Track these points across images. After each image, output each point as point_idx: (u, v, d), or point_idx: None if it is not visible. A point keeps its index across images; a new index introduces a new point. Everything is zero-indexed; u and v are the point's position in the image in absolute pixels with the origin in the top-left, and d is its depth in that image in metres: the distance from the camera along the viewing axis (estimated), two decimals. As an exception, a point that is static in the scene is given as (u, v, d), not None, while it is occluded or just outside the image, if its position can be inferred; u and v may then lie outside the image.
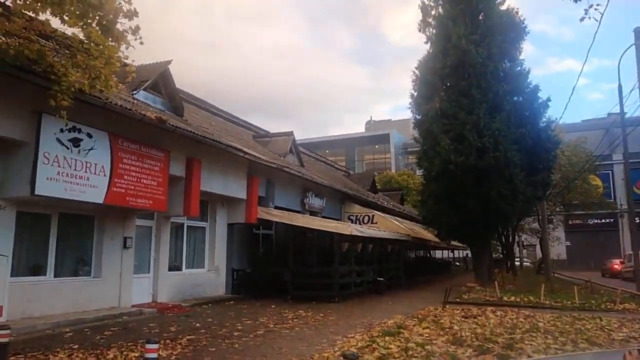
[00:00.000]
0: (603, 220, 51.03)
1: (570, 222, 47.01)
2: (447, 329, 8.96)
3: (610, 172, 49.86)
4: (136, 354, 6.99)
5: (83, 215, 11.18)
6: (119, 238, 11.65)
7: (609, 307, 13.53)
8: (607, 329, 9.32)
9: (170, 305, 11.99)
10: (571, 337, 8.16)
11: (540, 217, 30.68)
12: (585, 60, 56.51)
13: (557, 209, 34.19)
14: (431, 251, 35.82)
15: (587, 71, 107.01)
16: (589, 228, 51.18)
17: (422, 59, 21.98)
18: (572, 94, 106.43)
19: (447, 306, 12.37)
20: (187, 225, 14.56)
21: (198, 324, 9.86)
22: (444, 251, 39.86)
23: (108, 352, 7.09)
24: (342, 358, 3.99)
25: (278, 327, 9.69)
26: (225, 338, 8.44)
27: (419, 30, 22.02)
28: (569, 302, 14.04)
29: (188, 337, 8.33)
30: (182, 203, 12.84)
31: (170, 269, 13.40)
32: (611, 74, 78.41)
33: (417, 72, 21.95)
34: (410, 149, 67.22)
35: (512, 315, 11.16)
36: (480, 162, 17.82)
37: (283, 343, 8.15)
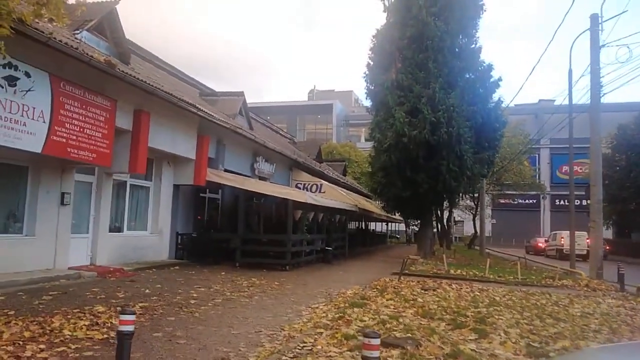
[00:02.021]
0: (527, 201, 54.21)
1: (497, 201, 49.32)
2: (411, 301, 8.84)
3: (537, 155, 52.65)
4: (86, 322, 6.23)
5: (14, 165, 9.92)
6: (55, 193, 10.49)
7: (548, 282, 14.15)
8: (560, 304, 9.62)
9: (111, 269, 11.06)
10: (534, 313, 8.28)
11: (477, 195, 31.93)
12: (546, 49, 58.62)
13: (496, 188, 35.63)
14: (369, 223, 36.32)
15: (537, 54, 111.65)
16: (513, 207, 54.19)
17: (380, 27, 21.62)
18: (527, 78, 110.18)
19: (402, 277, 12.35)
20: (130, 184, 13.50)
21: (147, 290, 9.12)
22: (380, 223, 40.62)
23: (52, 319, 6.26)
24: (364, 337, 3.54)
25: (236, 296, 9.16)
26: (182, 306, 7.80)
27: (378, -2, 21.55)
28: (511, 277, 14.56)
29: (140, 305, 7.61)
30: (127, 159, 11.77)
31: (110, 230, 12.40)
32: (561, 58, 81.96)
33: (374, 40, 21.66)
34: (352, 121, 67.58)
35: (467, 288, 11.31)
36: (432, 136, 17.88)
37: (246, 313, 7.65)
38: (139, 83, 10.98)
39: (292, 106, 62.33)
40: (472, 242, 36.07)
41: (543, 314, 8.15)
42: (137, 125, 11.86)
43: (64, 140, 9.57)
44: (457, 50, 19.83)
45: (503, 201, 50.27)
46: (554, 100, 62.84)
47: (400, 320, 7.02)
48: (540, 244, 36.57)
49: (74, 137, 9.80)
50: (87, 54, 9.23)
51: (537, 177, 50.65)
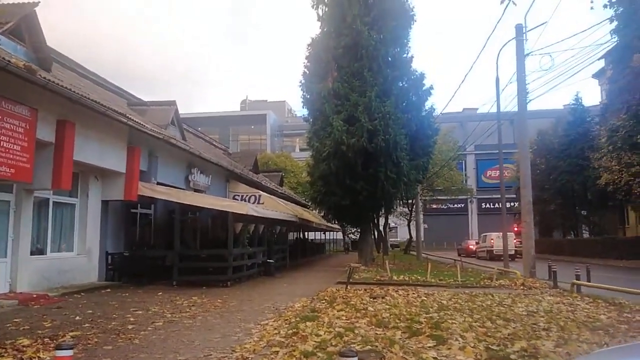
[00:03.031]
0: (455, 205, 56.50)
1: (428, 207, 50.92)
2: (362, 311, 8.66)
3: (463, 162, 55.04)
4: (9, 359, 5.48)
5: None
6: (-34, 214, 9.37)
7: (487, 283, 14.58)
8: (505, 304, 9.84)
9: (34, 296, 10.02)
10: (484, 314, 8.37)
11: (410, 201, 32.70)
12: (477, 58, 61.37)
13: (429, 194, 36.67)
14: (307, 233, 36.16)
15: (463, 63, 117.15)
16: (443, 212, 56.35)
17: (315, 36, 21.64)
18: (459, 87, 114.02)
19: (348, 286, 12.19)
20: (54, 201, 12.41)
21: (78, 317, 8.30)
22: (317, 233, 40.61)
23: (-35, 359, 5.46)
24: (340, 357, 3.25)
25: (177, 317, 8.56)
26: (119, 333, 7.12)
27: (312, 7, 21.60)
28: (451, 280, 14.87)
29: (72, 334, 6.86)
30: (50, 173, 10.80)
31: (32, 253, 11.29)
32: (484, 68, 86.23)
33: (310, 49, 21.62)
34: (287, 131, 67.56)
35: (413, 294, 11.34)
36: (370, 144, 18.08)
37: (191, 335, 7.13)
38: (62, 90, 10.12)
39: (224, 117, 61.37)
40: (408, 248, 36.90)
41: (492, 315, 8.25)
42: (61, 137, 10.92)
43: (-24, 154, 8.58)
44: (390, 59, 20.24)
45: (434, 206, 52.01)
46: (477, 109, 66.38)
47: (356, 331, 6.80)
48: (471, 246, 38.06)
49: (-12, 151, 8.82)
50: (3, 58, 8.34)
51: (464, 181, 52.98)
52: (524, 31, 17.06)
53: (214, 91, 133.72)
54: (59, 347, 3.40)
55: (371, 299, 10.19)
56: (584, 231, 40.46)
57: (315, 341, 6.17)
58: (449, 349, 5.82)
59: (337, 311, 8.64)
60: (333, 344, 6.05)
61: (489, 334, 6.71)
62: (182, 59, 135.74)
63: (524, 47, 17.07)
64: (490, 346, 5.91)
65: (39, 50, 11.68)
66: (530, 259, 16.06)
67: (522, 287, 13.65)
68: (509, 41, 17.97)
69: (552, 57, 19.12)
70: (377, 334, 6.74)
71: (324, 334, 6.66)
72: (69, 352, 3.42)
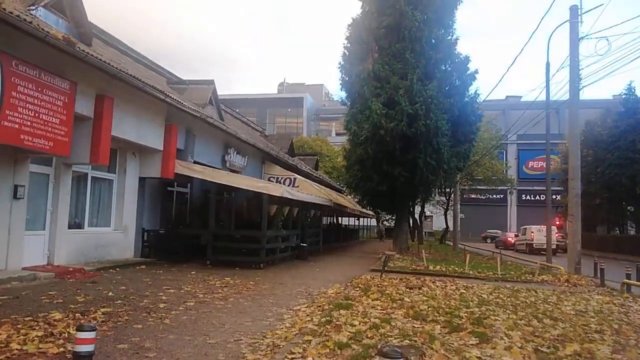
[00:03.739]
0: (494, 196, 54.92)
1: (465, 196, 49.69)
2: (399, 301, 8.31)
3: (504, 151, 53.26)
4: (39, 333, 5.41)
5: (-42, 154, 8.87)
6: (7, 186, 9.45)
7: (528, 278, 13.94)
8: (550, 302, 9.29)
9: (71, 269, 10.11)
10: (529, 312, 7.88)
11: (449, 190, 31.88)
12: (527, 43, 59.10)
13: (468, 183, 35.72)
14: (341, 218, 35.90)
15: (513, 47, 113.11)
16: (481, 202, 54.87)
17: (356, 16, 21.07)
18: (505, 73, 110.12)
19: (383, 275, 11.84)
20: (92, 176, 12.49)
21: (111, 293, 8.27)
22: (350, 218, 40.30)
23: (-2, 330, 5.41)
24: (381, 357, 2.91)
25: (209, 298, 8.42)
26: (150, 311, 7.01)
27: (354, -14, 20.98)
28: (490, 273, 14.32)
29: (103, 310, 6.79)
30: (88, 148, 10.82)
31: (70, 227, 11.39)
32: (528, 56, 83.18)
33: (350, 30, 21.06)
34: (323, 115, 67.06)
35: (451, 285, 10.90)
36: (410, 129, 17.53)
37: (222, 317, 6.94)
38: (101, 64, 10.03)
39: (262, 99, 61.38)
40: (444, 237, 36.16)
41: (538, 313, 7.75)
42: (100, 112, 10.90)
43: (17, 126, 8.60)
44: (433, 41, 19.48)
45: (472, 196, 50.75)
46: (521, 97, 64.16)
47: (393, 323, 6.46)
48: (510, 239, 36.98)
49: (28, 123, 8.83)
50: (42, 30, 8.26)
51: (505, 171, 51.49)
52: (579, 13, 16.04)
53: (252, 74, 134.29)
54: (80, 329, 3.18)
55: (407, 289, 9.82)
56: (630, 227, 38.66)
57: (349, 332, 5.86)
58: (494, 348, 5.41)
59: (372, 300, 8.32)
60: (368, 335, 5.73)
61: (537, 333, 6.26)
62: (221, 41, 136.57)
63: (578, 29, 16.06)
64: (539, 348, 5.46)
65: (80, 24, 11.65)
66: (576, 254, 15.26)
67: (566, 284, 12.99)
68: (562, 24, 16.95)
69: (609, 41, 18.03)
70: (414, 327, 6.38)
71: (359, 324, 6.35)
72: (92, 334, 3.20)
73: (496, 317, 7.17)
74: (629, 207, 37.05)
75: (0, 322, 5.80)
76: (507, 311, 7.83)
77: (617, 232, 38.39)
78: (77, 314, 6.46)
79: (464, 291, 10.11)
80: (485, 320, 6.84)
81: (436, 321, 6.79)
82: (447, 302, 8.42)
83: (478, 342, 5.68)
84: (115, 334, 5.68)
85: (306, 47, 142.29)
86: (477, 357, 5.01)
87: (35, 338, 5.24)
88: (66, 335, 5.42)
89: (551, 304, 9.03)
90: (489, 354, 5.20)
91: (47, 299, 7.46)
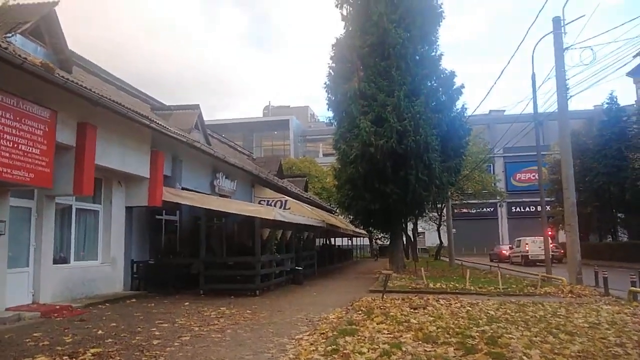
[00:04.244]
0: (485, 209, 54.87)
1: (456, 211, 49.60)
2: (405, 323, 7.92)
3: (491, 165, 53.37)
4: (21, 382, 4.93)
5: None
6: (-15, 222, 8.97)
7: (531, 291, 13.65)
8: (560, 315, 8.98)
9: (57, 307, 9.57)
10: (541, 327, 7.54)
11: (440, 206, 31.69)
12: (514, 54, 60.09)
13: (459, 197, 35.60)
14: (333, 239, 35.44)
15: (495, 61, 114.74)
16: (471, 216, 54.71)
17: (339, 36, 21.10)
18: (492, 87, 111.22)
19: (384, 296, 11.44)
20: (76, 208, 12.01)
21: (100, 331, 7.76)
22: (343, 239, 39.86)
23: (-25, 381, 4.93)
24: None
25: (205, 331, 7.95)
26: (143, 349, 6.54)
27: (336, 6, 21.08)
28: (492, 288, 14.01)
29: (93, 351, 6.30)
30: (72, 179, 10.36)
31: (55, 262, 10.87)
32: (520, 65, 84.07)
33: (334, 49, 21.04)
34: (310, 136, 67.08)
35: (456, 303, 10.54)
36: (400, 145, 17.41)
37: (221, 352, 6.49)
38: (82, 91, 9.69)
39: (247, 123, 61.24)
40: (439, 253, 35.85)
41: (551, 328, 7.42)
42: (82, 141, 10.49)
43: (-6, 158, 8.16)
44: (418, 57, 19.54)
45: (463, 210, 50.71)
46: (504, 111, 64.79)
47: (403, 348, 6.07)
48: (504, 251, 36.75)
49: (6, 154, 8.40)
50: (19, 56, 7.92)
51: (494, 184, 51.58)
52: (562, 24, 16.14)
53: (236, 99, 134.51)
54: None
55: (412, 310, 9.44)
56: (621, 235, 38.74)
57: (360, 361, 5.46)
58: (515, 370, 5.05)
59: (377, 324, 7.91)
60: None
61: (556, 350, 5.92)
62: (203, 68, 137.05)
63: (562, 40, 16.14)
64: (563, 367, 5.12)
65: (60, 51, 11.34)
66: (576, 264, 15.03)
67: (570, 295, 12.71)
68: (545, 35, 17.03)
69: (593, 51, 18.13)
70: (427, 351, 6.00)
71: (368, 351, 5.95)
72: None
73: (510, 335, 6.82)
74: (619, 214, 37.18)
75: (-22, 371, 5.31)
76: (520, 328, 7.48)
77: (610, 239, 38.41)
78: (64, 357, 5.99)
79: (470, 308, 9.76)
80: (499, 340, 6.49)
81: (448, 343, 6.42)
82: (456, 322, 8.05)
83: (497, 364, 5.33)
84: (106, 378, 5.21)
85: (290, 70, 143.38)
86: (501, 382, 4.65)
87: (18, 387, 4.77)
88: (52, 382, 4.95)
89: (561, 317, 8.72)
90: (511, 377, 4.85)
91: (32, 342, 6.94)
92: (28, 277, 10.10)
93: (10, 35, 9.72)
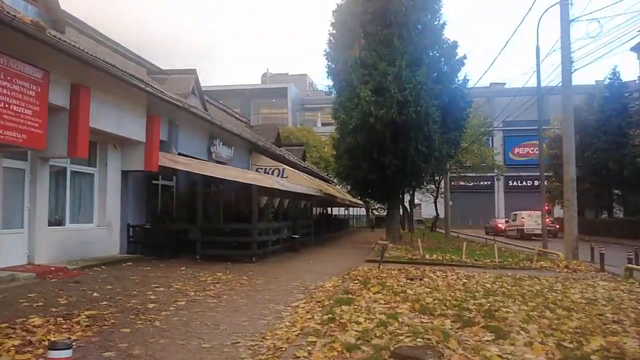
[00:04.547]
0: (481, 183, 54.98)
1: (453, 183, 49.72)
2: (402, 294, 7.91)
3: (490, 138, 53.08)
4: (16, 342, 4.89)
5: None
6: (-22, 182, 8.82)
7: (526, 265, 13.74)
8: (557, 290, 9.01)
9: (52, 269, 9.53)
10: (538, 301, 7.54)
11: (438, 178, 31.67)
12: (519, 25, 58.77)
13: (458, 170, 35.56)
14: (330, 208, 35.53)
15: (492, 33, 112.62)
16: (468, 189, 54.90)
17: (340, 2, 20.54)
18: (496, 58, 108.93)
19: (381, 266, 11.46)
20: (71, 170, 11.85)
21: (95, 293, 7.73)
22: (340, 208, 40.00)
23: (-32, 341, 4.88)
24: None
25: (201, 296, 7.93)
26: (138, 313, 6.51)
27: (336, -28, 20.45)
28: (488, 261, 14.07)
29: (87, 313, 6.25)
30: (66, 141, 10.17)
31: (50, 224, 10.78)
32: (524, 37, 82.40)
33: (335, 15, 20.54)
34: (308, 105, 66.46)
35: (452, 275, 10.58)
36: (400, 116, 17.12)
37: (216, 317, 6.47)
38: (74, 51, 9.38)
39: (245, 90, 60.44)
40: (435, 225, 36.03)
41: (548, 303, 7.41)
42: (76, 102, 10.25)
43: (-15, 118, 7.96)
44: (420, 26, 19.11)
45: (461, 183, 50.73)
46: (504, 84, 64.08)
47: (400, 319, 6.04)
48: (500, 225, 36.98)
49: (-2, 115, 8.18)
50: (8, 13, 7.60)
51: (492, 158, 51.45)
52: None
53: (234, 65, 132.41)
54: (52, 346, 2.66)
55: (408, 281, 9.47)
56: (617, 211, 38.94)
57: (356, 331, 5.43)
58: (513, 344, 5.02)
59: (374, 294, 7.92)
60: (377, 334, 5.31)
61: (554, 326, 5.89)
62: (200, 33, 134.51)
63: (569, 11, 15.76)
64: (561, 342, 5.09)
65: (52, 11, 10.96)
66: (573, 239, 15.08)
67: (566, 270, 12.79)
68: (552, 5, 16.59)
69: (600, 23, 17.78)
70: (423, 322, 5.99)
71: (365, 321, 5.92)
72: (67, 353, 2.68)
73: (507, 309, 6.81)
74: (616, 191, 37.25)
75: (-29, 331, 5.26)
76: (517, 302, 7.48)
77: (605, 216, 38.62)
78: (58, 319, 5.93)
79: (466, 281, 9.80)
80: (496, 313, 6.48)
81: (445, 315, 6.41)
82: (452, 294, 8.06)
83: (494, 337, 5.30)
84: (101, 340, 5.17)
85: (289, 37, 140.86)
86: (498, 356, 4.61)
87: (12, 348, 4.73)
88: (46, 343, 4.89)
89: (558, 292, 8.74)
90: (509, 351, 4.81)
91: (26, 302, 6.90)
92: (23, 238, 10.03)
93: (0, -10, 9.33)
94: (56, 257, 10.61)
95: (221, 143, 18.12)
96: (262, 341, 5.35)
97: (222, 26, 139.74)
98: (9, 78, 8.42)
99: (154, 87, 12.85)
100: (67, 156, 10.56)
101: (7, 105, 8.38)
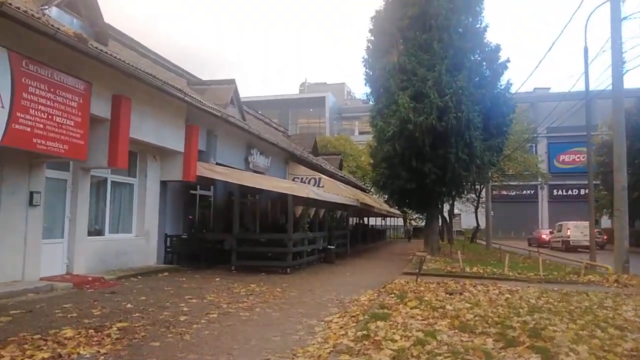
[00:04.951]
0: (524, 192, 53.21)
1: (494, 192, 48.35)
2: (440, 309, 7.54)
3: (534, 146, 51.40)
4: (46, 355, 4.86)
5: (-31, 161, 8.49)
6: (22, 193, 9.05)
7: (573, 279, 13.01)
8: (607, 306, 8.40)
9: (90, 279, 9.66)
10: (588, 319, 7.02)
11: (479, 186, 30.81)
12: (567, 24, 57.49)
13: (500, 179, 34.57)
14: (366, 218, 35.11)
15: (543, 32, 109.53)
16: (510, 198, 53.21)
17: (379, 8, 20.42)
18: (543, 57, 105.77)
19: (419, 279, 11.08)
20: (112, 181, 12.08)
21: (129, 305, 7.74)
22: (377, 218, 39.49)
23: (1, 351, 4.89)
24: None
25: (234, 308, 7.81)
26: (169, 325, 6.43)
27: (375, -23, 20.35)
28: (532, 274, 13.45)
29: (119, 325, 6.23)
30: (106, 151, 10.33)
31: (89, 234, 10.97)
32: (570, 40, 79.87)
33: (373, 22, 20.41)
34: (346, 114, 66.37)
35: (494, 290, 10.08)
36: (440, 122, 16.77)
37: (248, 331, 6.31)
38: (116, 62, 9.58)
39: (283, 100, 60.95)
40: (475, 236, 35.03)
41: (598, 321, 6.89)
42: (117, 113, 10.43)
43: (29, 129, 8.15)
44: (461, 30, 18.68)
45: (502, 192, 49.31)
46: (549, 88, 62.00)
47: (439, 337, 5.71)
48: (544, 236, 35.62)
49: (41, 125, 8.38)
50: (52, 26, 7.80)
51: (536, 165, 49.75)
52: (620, -8, 14.96)
53: (273, 76, 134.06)
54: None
55: (447, 295, 9.05)
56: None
57: (391, 349, 5.14)
58: (562, 368, 4.63)
59: (411, 309, 7.56)
60: (414, 354, 5.01)
61: (606, 347, 5.42)
62: (240, 44, 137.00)
63: (620, 9, 14.98)
64: (616, 367, 4.66)
65: (95, 23, 11.21)
66: (624, 252, 14.18)
67: (616, 285, 12.01)
68: (601, 4, 15.83)
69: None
70: (463, 341, 5.62)
71: (401, 339, 5.62)
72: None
73: (554, 327, 6.34)
74: (670, 201, 35.13)
75: (6, 342, 5.29)
76: (564, 319, 6.98)
77: (658, 226, 36.49)
78: (90, 330, 5.91)
79: (510, 296, 9.30)
80: (542, 332, 6.03)
81: (486, 333, 6.02)
82: (494, 310, 7.61)
83: (540, 359, 4.91)
84: (130, 354, 5.09)
85: (327, 46, 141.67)
86: (547, 381, 4.25)
87: (41, 360, 4.70)
88: (75, 356, 4.87)
89: (609, 309, 8.15)
90: (558, 375, 4.43)
91: (61, 313, 6.95)
92: (63, 248, 10.23)
93: (46, 7, 9.63)
94: (94, 267, 10.77)
95: (258, 152, 18.18)
96: (292, 358, 5.15)
97: (262, 37, 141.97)
98: (52, 90, 8.61)
99: (192, 97, 13.00)
100: (107, 166, 10.71)
101: (50, 117, 8.57)
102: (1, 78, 7.59)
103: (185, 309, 7.57)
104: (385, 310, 7.38)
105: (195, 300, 8.31)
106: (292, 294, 9.51)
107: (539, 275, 13.17)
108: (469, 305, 8.02)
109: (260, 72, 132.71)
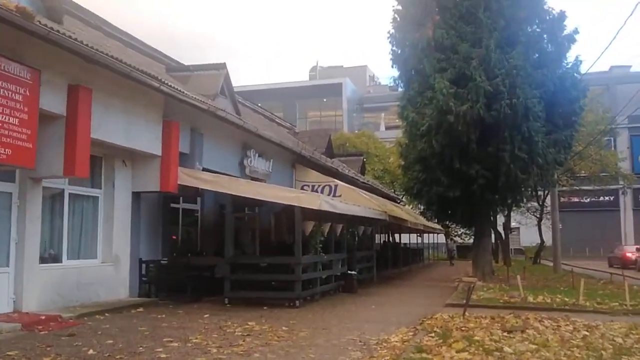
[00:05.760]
0: (602, 198, 52.51)
1: (563, 199, 47.85)
2: (495, 353, 7.33)
3: (612, 139, 50.70)
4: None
5: None
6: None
7: (671, 310, 12.71)
8: None
9: (43, 318, 9.63)
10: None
11: (543, 193, 30.50)
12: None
13: (570, 182, 34.30)
14: (397, 235, 35.01)
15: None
16: (584, 207, 52.66)
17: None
18: (618, 31, 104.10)
19: (467, 312, 10.90)
20: (70, 193, 12.14)
21: (91, 350, 7.64)
22: (411, 235, 39.41)
23: None
24: None
25: (226, 354, 7.66)
26: (142, 378, 6.30)
27: None
28: (616, 304, 13.27)
29: (76, 378, 6.11)
30: (61, 156, 10.37)
31: (42, 261, 11.01)
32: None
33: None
34: (368, 104, 66.45)
35: (566, 325, 9.89)
36: (489, 112, 16.99)
37: (243, 384, 6.15)
38: (71, 44, 9.57)
39: (289, 88, 61.27)
40: (539, 256, 34.71)
41: None
42: (74, 108, 10.45)
43: (-39, 129, 8.15)
44: (514, -6, 18.66)
45: (573, 199, 48.75)
46: (630, 67, 61.40)
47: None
48: (629, 254, 35.13)
49: (-24, 125, 8.38)
50: (-14, -2, 7.79)
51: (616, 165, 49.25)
52: None
53: (275, 60, 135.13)
54: None
55: (505, 333, 8.87)
56: None
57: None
58: None
59: (457, 352, 7.41)
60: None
61: None
62: (234, 24, 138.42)
63: None
64: None
65: (46, -4, 11.29)
66: None
67: None
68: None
69: None
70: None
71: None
72: None
73: (649, 376, 6.10)
74: None
75: None
76: (662, 364, 6.73)
77: None
78: (38, 387, 5.79)
79: (587, 333, 9.14)
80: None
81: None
82: (568, 352, 7.44)
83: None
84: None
85: (343, 20, 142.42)
86: None
87: None
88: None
89: None
90: None
91: (3, 364, 6.87)
92: (8, 280, 10.22)
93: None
94: (49, 303, 10.77)
95: (257, 155, 18.30)
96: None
97: (261, 11, 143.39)
98: (-11, 80, 8.63)
99: (170, 87, 13.01)
100: (63, 175, 10.77)
101: (-14, 114, 8.58)
102: None
103: (162, 355, 7.46)
104: (424, 355, 7.26)
105: (176, 344, 8.21)
106: (301, 333, 9.42)
107: (626, 305, 13.05)
108: (533, 346, 7.86)
109: (260, 55, 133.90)
